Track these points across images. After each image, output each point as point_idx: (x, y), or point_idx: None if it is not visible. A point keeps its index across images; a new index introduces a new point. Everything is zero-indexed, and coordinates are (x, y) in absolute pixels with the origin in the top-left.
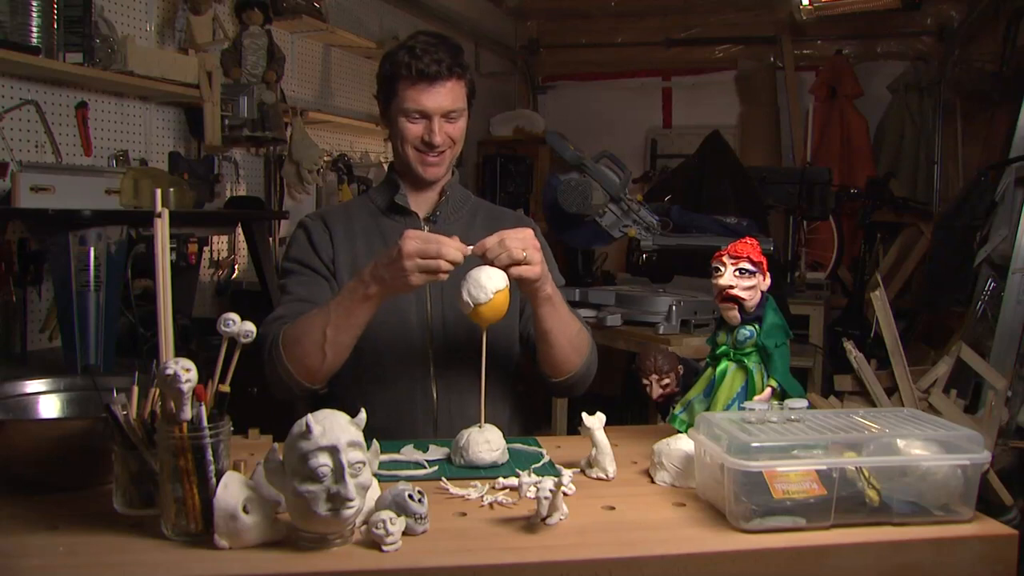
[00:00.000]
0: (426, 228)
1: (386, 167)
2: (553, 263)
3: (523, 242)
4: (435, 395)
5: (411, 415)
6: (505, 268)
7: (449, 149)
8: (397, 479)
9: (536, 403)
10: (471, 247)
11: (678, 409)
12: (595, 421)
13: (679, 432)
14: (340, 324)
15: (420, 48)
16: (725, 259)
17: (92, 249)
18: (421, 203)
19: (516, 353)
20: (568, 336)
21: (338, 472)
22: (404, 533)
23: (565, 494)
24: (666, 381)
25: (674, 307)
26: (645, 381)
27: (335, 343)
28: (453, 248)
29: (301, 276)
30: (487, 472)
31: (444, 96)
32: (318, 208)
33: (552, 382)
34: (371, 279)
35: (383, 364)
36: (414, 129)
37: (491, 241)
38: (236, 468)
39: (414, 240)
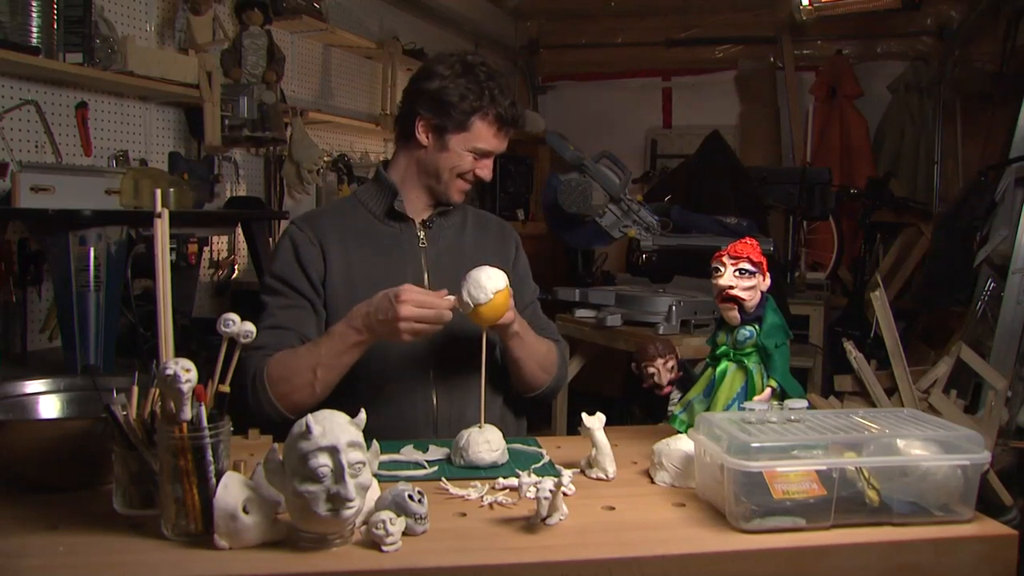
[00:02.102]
0: (422, 233)
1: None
2: (528, 272)
3: None
4: (435, 399)
5: (411, 418)
6: None
7: None
8: (397, 479)
9: (535, 403)
10: (448, 299)
11: (678, 409)
12: (595, 421)
13: (679, 432)
14: (331, 365)
15: (498, 89)
16: (725, 259)
17: (92, 249)
18: (418, 210)
19: None
20: (536, 360)
21: (338, 472)
22: (404, 533)
23: (565, 494)
24: (671, 363)
25: (674, 307)
26: (652, 369)
27: (324, 381)
28: (447, 310)
29: (283, 298)
30: (487, 472)
31: (508, 140)
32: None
33: (523, 397)
34: (363, 327)
35: (383, 368)
36: (473, 163)
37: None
38: (236, 468)
39: (410, 305)
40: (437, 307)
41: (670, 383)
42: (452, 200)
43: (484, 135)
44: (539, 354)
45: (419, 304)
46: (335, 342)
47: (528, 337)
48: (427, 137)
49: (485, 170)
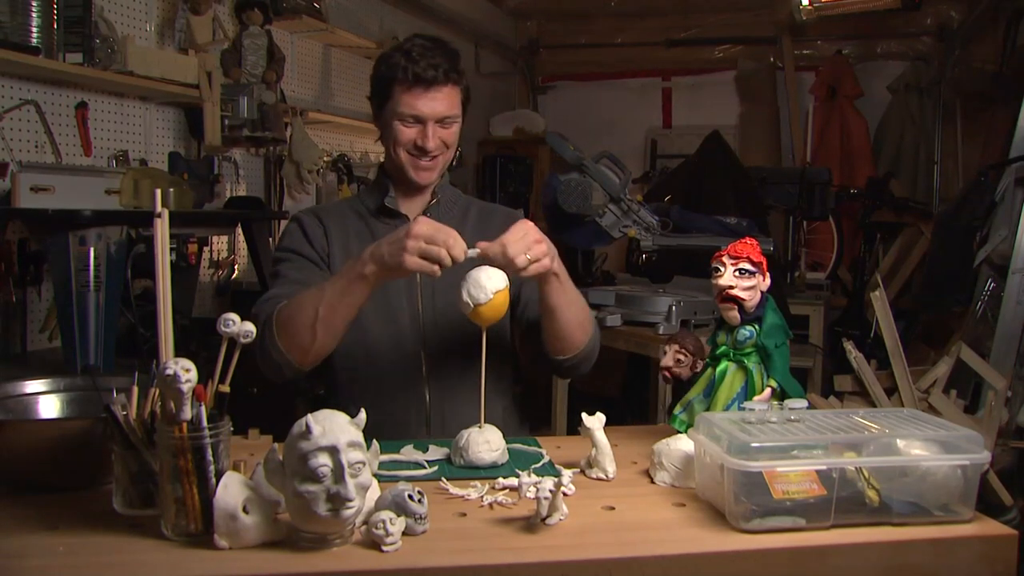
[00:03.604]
0: None
1: None
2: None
3: (525, 244)
4: (427, 398)
5: (404, 418)
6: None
7: (442, 154)
8: (397, 479)
9: (535, 403)
10: (473, 251)
11: (678, 409)
12: (595, 421)
13: (679, 432)
14: (333, 303)
15: (417, 52)
16: (725, 259)
17: (92, 249)
18: (411, 206)
19: (511, 354)
20: (575, 312)
21: (338, 472)
22: (404, 533)
23: (565, 494)
24: (680, 358)
25: (674, 307)
26: (665, 348)
27: (327, 323)
28: (460, 247)
29: (294, 262)
30: (487, 472)
31: (440, 102)
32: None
33: (558, 361)
34: (369, 258)
35: (376, 367)
36: (408, 133)
37: (494, 250)
38: (236, 468)
39: (425, 224)
40: (451, 234)
41: (665, 371)
42: (416, 181)
43: (402, 98)
44: (577, 305)
45: (435, 227)
46: (339, 277)
47: (567, 283)
48: (377, 123)
49: (424, 139)
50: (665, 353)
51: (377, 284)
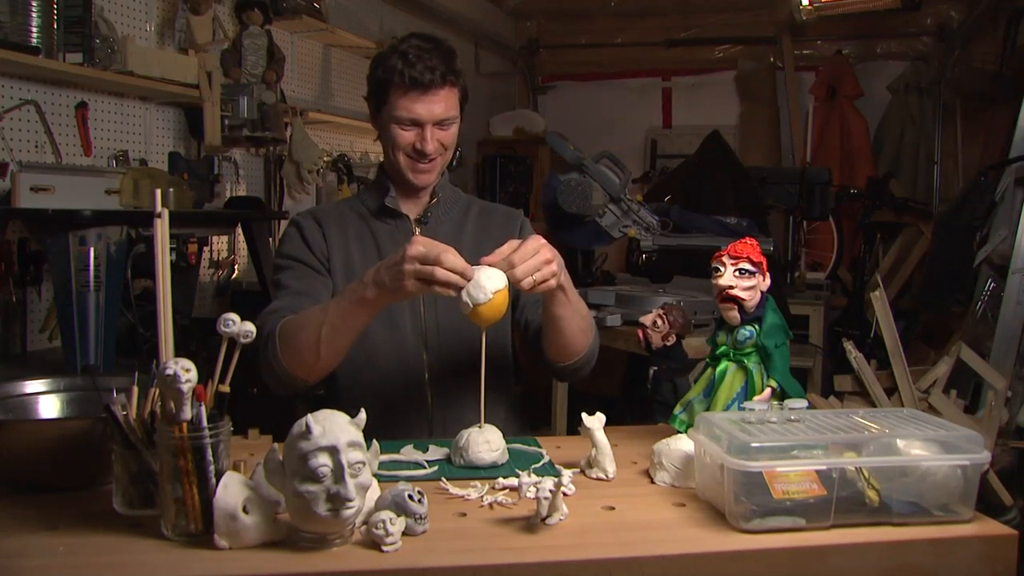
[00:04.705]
0: (417, 230)
1: None
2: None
3: (534, 265)
4: (430, 402)
5: (405, 422)
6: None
7: (440, 156)
8: (397, 479)
9: (535, 403)
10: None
11: (678, 409)
12: (595, 421)
13: (679, 432)
14: (336, 324)
15: (413, 54)
16: (725, 259)
17: (92, 249)
18: (412, 205)
19: (511, 355)
20: (578, 320)
21: (338, 472)
22: (404, 533)
23: (565, 494)
24: (658, 322)
25: None
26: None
27: (330, 343)
28: (452, 256)
29: (295, 271)
30: (487, 472)
31: (437, 105)
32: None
33: (559, 366)
34: (371, 282)
35: (378, 371)
36: (406, 136)
37: (500, 268)
38: (236, 468)
39: (421, 245)
40: (442, 248)
41: (642, 330)
42: (415, 182)
43: (399, 102)
44: (580, 314)
45: (428, 246)
46: (342, 299)
47: (572, 294)
48: (375, 124)
49: (423, 142)
50: (651, 312)
51: (380, 306)
